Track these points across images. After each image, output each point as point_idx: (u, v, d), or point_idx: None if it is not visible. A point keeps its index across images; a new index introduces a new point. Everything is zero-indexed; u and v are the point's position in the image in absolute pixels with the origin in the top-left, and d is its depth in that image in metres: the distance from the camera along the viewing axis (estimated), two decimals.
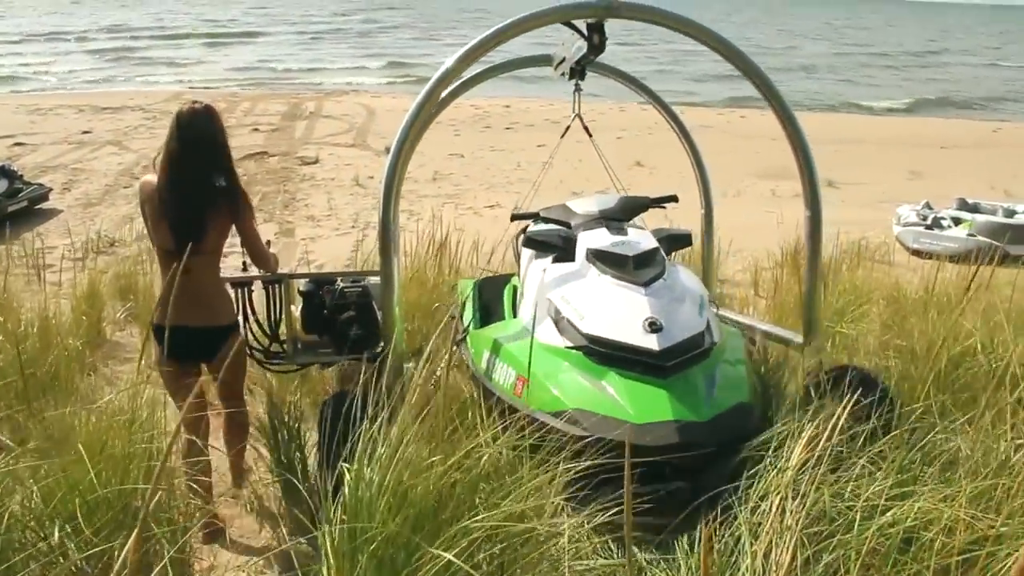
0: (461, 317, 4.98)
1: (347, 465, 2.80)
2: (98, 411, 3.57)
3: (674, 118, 5.56)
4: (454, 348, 3.85)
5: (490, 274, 5.98)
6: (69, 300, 6.33)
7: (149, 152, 16.29)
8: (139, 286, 6.95)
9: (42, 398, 4.05)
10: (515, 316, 4.48)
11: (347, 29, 59.35)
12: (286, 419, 4.00)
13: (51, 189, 12.47)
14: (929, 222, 10.59)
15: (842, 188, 14.59)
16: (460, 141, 18.23)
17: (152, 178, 3.68)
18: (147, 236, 3.84)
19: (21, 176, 12.00)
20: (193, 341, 3.66)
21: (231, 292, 4.05)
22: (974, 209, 10.92)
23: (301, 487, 3.56)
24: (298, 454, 3.92)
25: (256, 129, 18.95)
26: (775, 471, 2.74)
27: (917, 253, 9.74)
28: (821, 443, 2.66)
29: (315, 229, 11.11)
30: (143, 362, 3.49)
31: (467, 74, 4.61)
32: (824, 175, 15.51)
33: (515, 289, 4.98)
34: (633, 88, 5.45)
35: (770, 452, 2.90)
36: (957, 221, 10.55)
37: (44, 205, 12.02)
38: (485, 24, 5.44)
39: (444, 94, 4.31)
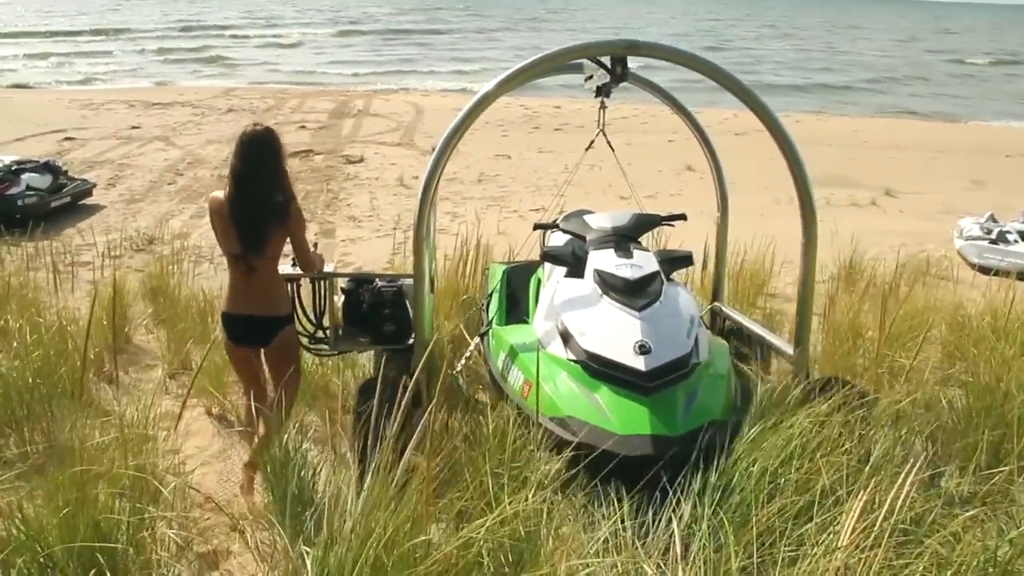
0: (488, 306, 5.53)
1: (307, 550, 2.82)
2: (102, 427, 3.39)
3: (697, 127, 5.75)
4: (478, 339, 5.04)
5: (519, 261, 6.23)
6: (98, 300, 6.17)
7: (194, 148, 16.36)
8: (169, 287, 6.80)
9: (47, 410, 3.87)
10: (533, 318, 4.91)
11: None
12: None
13: (95, 184, 12.47)
14: (994, 236, 10.06)
15: (900, 197, 14.06)
16: (508, 142, 17.99)
17: (220, 194, 4.12)
18: (215, 241, 4.24)
19: (66, 171, 12.02)
20: (251, 327, 4.19)
21: (288, 290, 4.47)
22: None
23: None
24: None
25: (303, 126, 18.93)
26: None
27: (981, 269, 9.22)
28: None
29: (356, 230, 10.95)
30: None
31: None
32: (882, 183, 15.08)
33: (539, 281, 5.40)
34: (658, 96, 5.63)
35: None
36: None
37: (88, 200, 12.02)
38: None
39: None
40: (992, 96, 34.11)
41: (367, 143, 17.51)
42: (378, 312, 4.67)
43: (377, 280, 4.81)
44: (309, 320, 4.77)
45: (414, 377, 3.38)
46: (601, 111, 5.23)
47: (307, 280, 4.68)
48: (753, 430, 3.41)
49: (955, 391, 3.92)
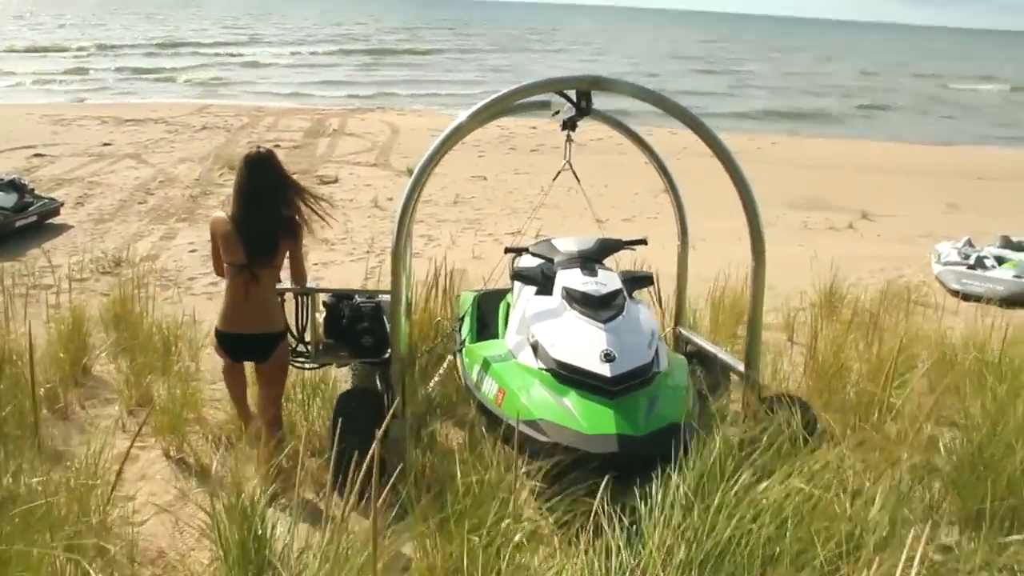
0: (460, 328, 5.78)
1: None
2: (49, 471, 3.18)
3: (656, 159, 5.93)
4: (452, 356, 5.38)
5: (489, 288, 6.47)
6: (57, 328, 5.93)
7: (166, 167, 16.10)
8: (134, 314, 6.54)
9: None
10: (505, 334, 5.20)
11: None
12: None
13: (63, 203, 12.17)
14: (972, 261, 10.02)
15: (878, 220, 14.06)
16: (484, 163, 17.84)
17: (222, 214, 4.56)
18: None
19: (32, 190, 11.71)
20: (250, 345, 4.53)
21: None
22: (1019, 247, 10.35)
23: None
24: None
25: (277, 145, 18.62)
26: None
27: (960, 295, 9.18)
28: None
29: (328, 253, 10.73)
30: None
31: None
32: (859, 206, 15.10)
33: (508, 305, 5.66)
34: (619, 131, 5.84)
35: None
36: (1001, 260, 9.98)
37: (55, 220, 11.71)
38: None
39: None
40: (968, 119, 34.52)
41: (342, 163, 17.30)
42: (357, 326, 4.95)
43: (357, 296, 5.12)
44: (291, 333, 4.94)
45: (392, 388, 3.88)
46: (567, 144, 5.43)
47: (290, 295, 4.94)
48: (741, 478, 3.22)
49: (948, 432, 3.78)
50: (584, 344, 4.34)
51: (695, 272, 6.25)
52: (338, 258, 10.60)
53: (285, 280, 4.81)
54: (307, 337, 5.02)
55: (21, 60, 40.92)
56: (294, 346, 4.97)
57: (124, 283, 7.01)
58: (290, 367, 4.87)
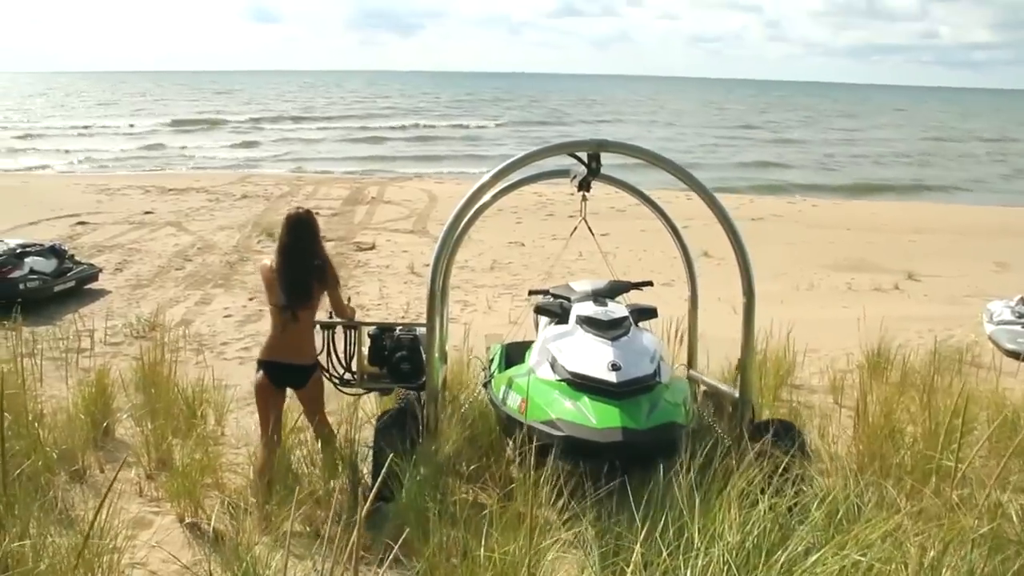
0: (489, 368, 6.36)
1: None
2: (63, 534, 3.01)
3: (666, 219, 6.50)
4: (482, 387, 5.99)
5: (516, 340, 7.01)
6: (83, 391, 5.84)
7: (205, 234, 16.25)
8: (162, 377, 6.43)
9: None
10: (529, 357, 5.83)
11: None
12: None
13: (101, 269, 12.28)
14: None
15: (924, 281, 13.67)
16: (521, 229, 17.79)
17: (267, 261, 5.34)
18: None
19: (72, 256, 11.84)
20: (288, 372, 5.21)
21: (320, 333, 5.52)
22: None
23: None
24: None
25: (316, 213, 18.73)
26: None
27: (1014, 355, 8.80)
28: None
29: (363, 318, 10.64)
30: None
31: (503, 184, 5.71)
32: (904, 266, 14.77)
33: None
34: (626, 191, 6.49)
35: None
36: None
37: (93, 285, 11.80)
38: None
39: (486, 198, 5.67)
40: (1012, 177, 34.03)
41: (379, 230, 17.35)
42: (397, 355, 5.59)
43: (398, 329, 5.78)
44: (341, 363, 5.70)
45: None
46: (583, 203, 6.04)
47: (340, 329, 5.67)
48: (789, 549, 2.97)
49: (1018, 499, 3.47)
50: (594, 357, 5.04)
51: (733, 335, 6.02)
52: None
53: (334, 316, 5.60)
54: (354, 365, 5.72)
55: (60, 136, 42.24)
56: (341, 374, 5.72)
57: (155, 347, 6.94)
58: (338, 392, 5.72)
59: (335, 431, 5.41)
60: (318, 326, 5.49)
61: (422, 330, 5.64)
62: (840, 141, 50.34)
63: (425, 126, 53.31)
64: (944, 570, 2.74)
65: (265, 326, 10.29)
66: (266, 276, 5.28)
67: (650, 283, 6.86)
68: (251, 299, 11.56)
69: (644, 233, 15.63)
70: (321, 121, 56.22)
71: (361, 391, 5.83)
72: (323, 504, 4.44)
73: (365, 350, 5.73)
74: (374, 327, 5.81)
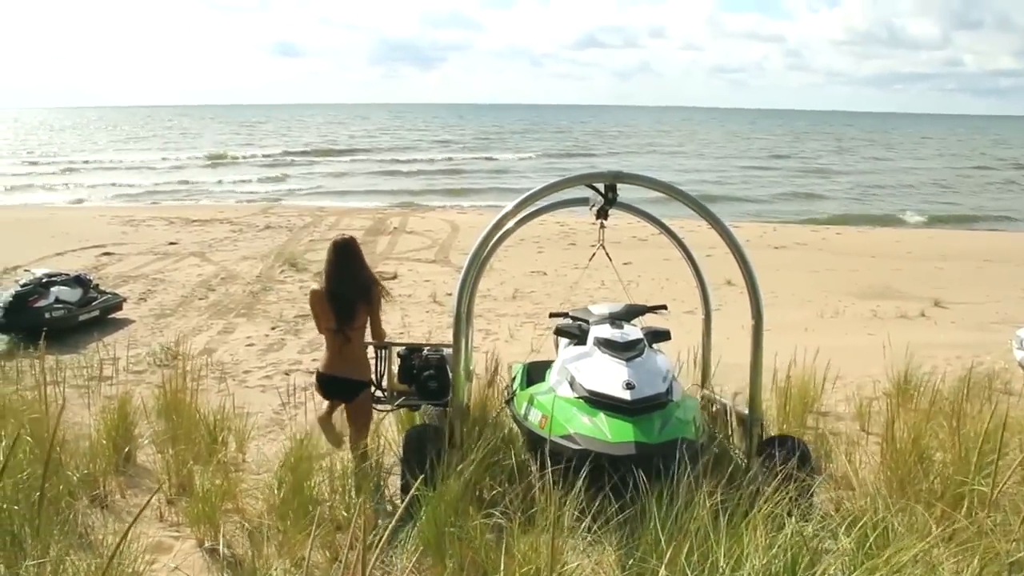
0: (511, 386, 6.67)
1: None
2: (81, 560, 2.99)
3: (681, 244, 6.81)
4: (505, 404, 6.29)
5: (538, 360, 7.33)
6: (105, 418, 5.85)
7: (229, 264, 16.35)
8: (184, 404, 6.42)
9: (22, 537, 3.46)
10: (549, 376, 6.10)
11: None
12: None
13: (126, 299, 12.37)
14: None
15: (951, 308, 13.50)
16: (543, 258, 17.80)
17: (317, 287, 5.69)
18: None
19: (96, 285, 11.94)
20: (341, 386, 5.61)
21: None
22: None
23: None
24: None
25: None
26: None
27: None
28: None
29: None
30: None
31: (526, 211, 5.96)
32: (930, 294, 14.58)
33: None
34: (642, 217, 6.75)
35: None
36: None
37: (117, 315, 11.89)
38: None
39: (509, 224, 5.77)
40: None
41: (401, 260, 17.39)
42: (424, 373, 5.91)
43: (426, 349, 6.14)
44: (373, 383, 5.89)
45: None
46: (601, 230, 6.31)
47: (372, 349, 5.89)
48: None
49: None
50: (610, 376, 5.35)
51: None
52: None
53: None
54: (384, 383, 5.99)
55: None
56: (374, 391, 5.89)
57: (177, 375, 6.95)
58: (373, 411, 5.90)
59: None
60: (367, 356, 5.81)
61: (448, 350, 5.96)
62: (874, 171, 49.93)
63: (454, 159, 53.42)
64: None
65: (287, 354, 10.44)
66: (315, 302, 5.63)
67: (664, 307, 7.21)
68: (273, 328, 11.60)
69: (667, 262, 15.55)
70: (351, 154, 56.58)
71: (391, 407, 6.09)
72: (344, 529, 4.38)
73: (395, 369, 6.06)
74: (403, 347, 6.18)
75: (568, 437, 4.99)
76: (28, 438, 4.51)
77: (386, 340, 5.95)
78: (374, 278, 5.72)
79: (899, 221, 28.44)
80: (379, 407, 6.02)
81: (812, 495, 4.64)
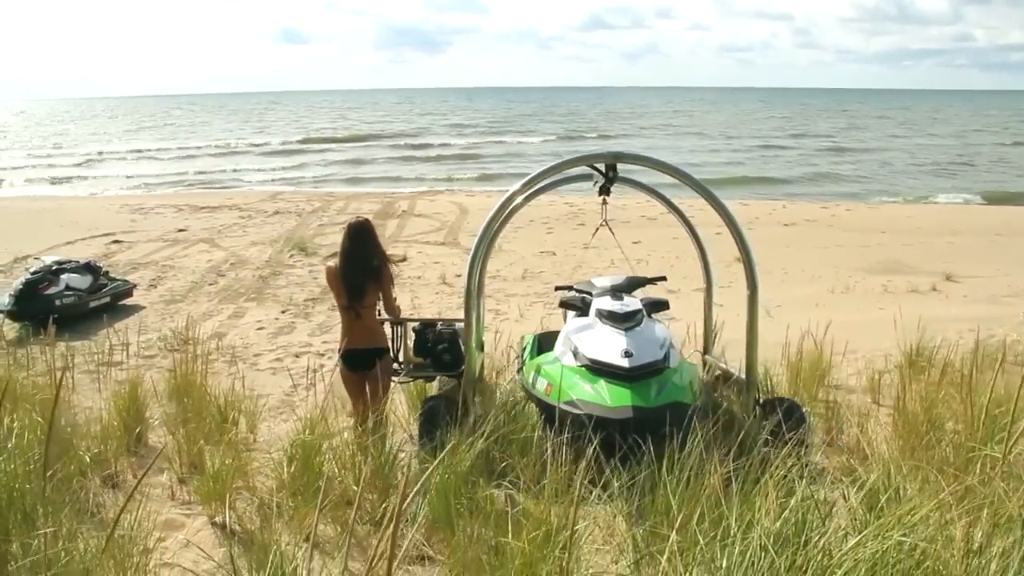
0: (522, 356, 7.07)
1: None
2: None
3: (682, 216, 7.19)
4: (516, 374, 6.77)
5: (547, 331, 7.70)
6: (116, 401, 5.87)
7: (238, 250, 16.37)
8: (195, 385, 6.44)
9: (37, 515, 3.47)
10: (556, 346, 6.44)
11: None
12: None
13: (135, 285, 12.40)
14: None
15: (963, 282, 13.42)
16: (552, 239, 17.74)
17: (332, 264, 5.98)
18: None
19: (107, 272, 11.97)
20: (360, 357, 5.85)
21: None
22: None
23: None
24: None
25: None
26: None
27: None
28: None
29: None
30: None
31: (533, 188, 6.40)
32: (942, 268, 14.48)
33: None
34: (645, 192, 7.20)
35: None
36: None
37: (128, 301, 11.93)
38: None
39: (518, 200, 6.30)
40: None
41: (410, 243, 17.37)
42: (439, 347, 6.29)
43: (439, 324, 6.53)
44: (391, 356, 6.19)
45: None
46: (604, 206, 6.66)
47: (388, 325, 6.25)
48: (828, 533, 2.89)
49: None
50: (609, 345, 5.70)
51: (772, 338, 6.79)
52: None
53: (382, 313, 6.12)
54: (401, 357, 6.38)
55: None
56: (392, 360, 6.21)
57: (188, 359, 6.97)
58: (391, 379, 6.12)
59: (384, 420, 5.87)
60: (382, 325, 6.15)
61: (460, 325, 6.29)
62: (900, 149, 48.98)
63: (471, 143, 52.40)
64: (992, 552, 2.64)
65: (298, 337, 10.46)
66: (330, 278, 5.96)
67: (664, 278, 7.62)
68: (284, 312, 11.61)
69: (675, 241, 15.49)
70: (368, 139, 55.93)
71: (408, 379, 6.45)
72: (354, 505, 4.39)
73: (411, 343, 6.44)
74: (418, 323, 6.59)
75: (571, 403, 5.30)
76: (39, 419, 4.52)
77: (401, 316, 6.29)
78: (385, 258, 5.94)
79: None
80: (396, 379, 6.29)
81: (808, 449, 5.06)
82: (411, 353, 6.44)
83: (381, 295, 5.94)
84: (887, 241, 17.36)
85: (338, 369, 6.00)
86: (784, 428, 4.86)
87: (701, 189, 5.99)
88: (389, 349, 6.13)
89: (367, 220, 6.07)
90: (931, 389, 5.54)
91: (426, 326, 6.54)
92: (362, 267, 5.81)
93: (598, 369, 5.59)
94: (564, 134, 60.86)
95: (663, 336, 6.07)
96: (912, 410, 5.15)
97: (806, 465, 3.61)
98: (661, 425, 4.76)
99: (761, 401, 5.92)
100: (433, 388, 6.90)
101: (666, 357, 5.82)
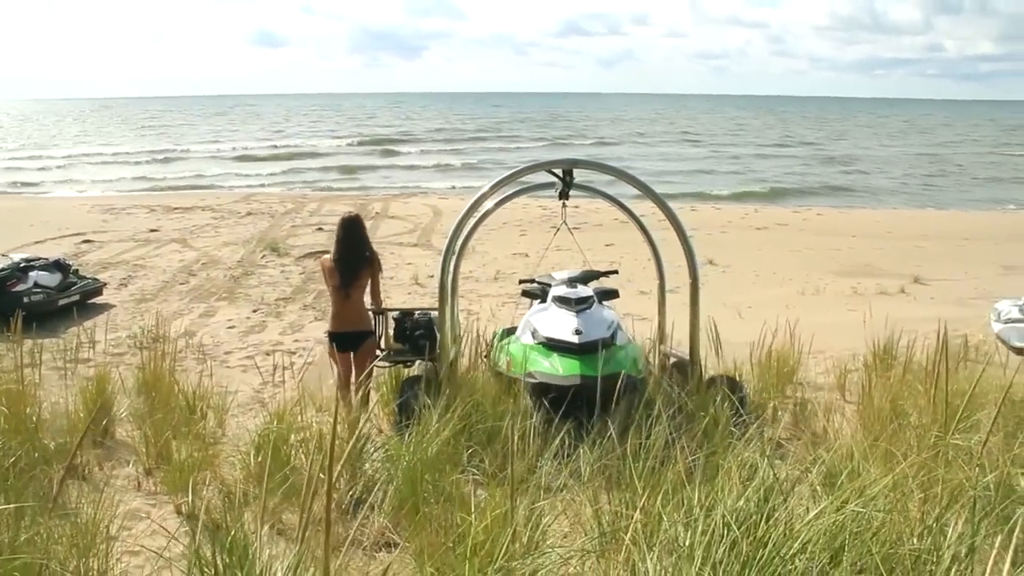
0: (492, 345, 7.58)
1: None
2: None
3: (635, 219, 7.83)
4: (484, 357, 7.33)
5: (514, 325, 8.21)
6: (83, 396, 5.81)
7: (210, 250, 16.26)
8: (163, 380, 6.37)
9: None
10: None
11: None
12: None
13: (105, 284, 12.29)
14: None
15: (931, 284, 13.60)
16: (525, 240, 17.75)
17: (327, 256, 6.81)
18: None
19: (76, 271, 11.87)
20: (348, 339, 6.56)
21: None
22: None
23: None
24: None
25: (320, 229, 18.78)
26: None
27: (1023, 352, 8.71)
28: None
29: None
30: None
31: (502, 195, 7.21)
32: (910, 271, 14.62)
33: None
34: (600, 197, 7.91)
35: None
36: None
37: (98, 300, 11.81)
38: None
39: (489, 205, 7.06)
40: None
41: (383, 244, 17.27)
42: (416, 333, 6.81)
43: (417, 313, 7.11)
44: (374, 332, 6.80)
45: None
46: (563, 209, 7.34)
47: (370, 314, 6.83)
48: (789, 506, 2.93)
49: None
50: (562, 325, 6.44)
51: (739, 339, 7.19)
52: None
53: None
54: (382, 344, 6.88)
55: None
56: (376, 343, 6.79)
57: (156, 356, 6.90)
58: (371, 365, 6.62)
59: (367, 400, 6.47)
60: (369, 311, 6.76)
61: (436, 313, 6.86)
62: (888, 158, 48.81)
63: (462, 151, 51.03)
64: (949, 519, 2.67)
65: (268, 336, 10.41)
66: (326, 265, 6.72)
67: (615, 271, 8.51)
68: (255, 311, 11.56)
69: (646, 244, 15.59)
70: (358, 145, 54.74)
71: (388, 363, 6.92)
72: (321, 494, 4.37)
73: (391, 331, 6.92)
74: (398, 311, 7.10)
75: (529, 374, 6.08)
76: (4, 408, 4.47)
77: (383, 307, 6.94)
78: (373, 249, 6.80)
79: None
80: (378, 364, 6.75)
81: (748, 417, 5.52)
82: (391, 340, 6.92)
83: (370, 281, 6.69)
84: (857, 245, 17.54)
85: (325, 348, 6.77)
86: (726, 399, 5.53)
87: (648, 192, 6.77)
88: (374, 332, 6.75)
89: (357, 215, 6.94)
90: (896, 383, 5.60)
91: (405, 314, 7.05)
92: (356, 253, 6.59)
93: (552, 345, 6.33)
94: (559, 140, 59.63)
95: (611, 318, 6.85)
96: (878, 403, 5.20)
97: (768, 444, 3.65)
98: (605, 391, 5.47)
99: (705, 379, 6.46)
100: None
101: (613, 336, 6.56)
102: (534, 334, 6.65)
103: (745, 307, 11.47)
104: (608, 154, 46.11)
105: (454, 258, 6.94)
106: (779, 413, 5.99)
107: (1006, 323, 9.68)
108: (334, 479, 4.03)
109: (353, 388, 6.45)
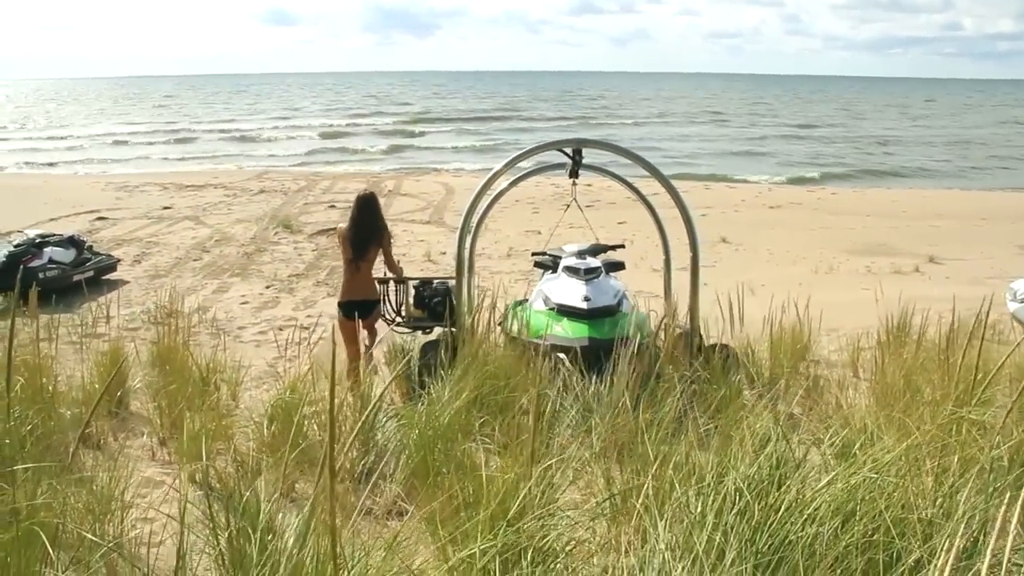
0: (505, 315, 7.73)
1: None
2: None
3: (643, 199, 8.02)
4: (498, 325, 7.30)
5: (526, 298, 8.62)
6: (98, 368, 5.84)
7: (223, 227, 16.31)
8: (177, 354, 6.40)
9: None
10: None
11: None
12: None
13: (120, 260, 12.36)
14: None
15: (946, 264, 13.52)
16: (538, 218, 17.74)
17: (343, 226, 7.20)
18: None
19: (91, 247, 11.93)
20: (356, 307, 6.93)
21: (378, 286, 7.23)
22: None
23: None
24: None
25: (332, 206, 18.82)
26: None
27: None
28: None
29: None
30: None
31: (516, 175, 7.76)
32: (925, 251, 14.52)
33: None
34: (608, 176, 8.14)
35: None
36: None
37: (112, 276, 11.88)
38: None
39: (503, 185, 7.75)
40: None
41: (396, 221, 17.28)
42: (434, 301, 7.28)
43: (435, 281, 7.56)
44: (394, 309, 7.35)
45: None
46: (573, 187, 7.61)
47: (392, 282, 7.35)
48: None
49: None
50: (572, 292, 6.90)
51: (752, 315, 7.09)
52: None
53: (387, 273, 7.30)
54: (403, 311, 7.33)
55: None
56: (392, 318, 7.32)
57: (170, 331, 6.94)
58: (391, 331, 7.31)
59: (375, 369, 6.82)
60: (376, 282, 7.16)
61: (453, 282, 7.20)
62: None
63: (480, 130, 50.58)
64: (963, 488, 2.66)
65: (282, 311, 10.45)
66: (341, 237, 7.10)
67: (623, 245, 8.85)
68: (268, 287, 11.60)
69: (663, 221, 15.54)
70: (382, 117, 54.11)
71: (409, 329, 7.38)
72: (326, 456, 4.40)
73: (411, 299, 7.36)
74: (417, 280, 7.53)
75: (540, 337, 6.25)
76: (20, 378, 4.51)
77: (403, 275, 7.37)
78: (385, 225, 7.17)
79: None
80: (398, 329, 7.35)
81: (739, 380, 5.91)
82: (411, 307, 7.35)
83: (382, 253, 7.08)
84: (872, 224, 17.44)
85: (337, 318, 7.09)
86: (721, 363, 5.95)
87: (652, 170, 7.02)
88: (379, 302, 7.18)
89: (372, 193, 7.34)
90: (910, 360, 5.58)
91: (424, 283, 7.52)
92: (368, 228, 6.98)
93: (563, 310, 6.77)
94: (588, 121, 58.69)
95: (617, 288, 7.32)
96: (891, 379, 5.18)
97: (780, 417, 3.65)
98: (610, 352, 5.64)
99: (703, 346, 6.79)
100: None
101: (619, 304, 7.04)
102: (546, 301, 7.07)
103: (758, 284, 11.42)
104: (640, 135, 45.86)
105: (469, 236, 7.19)
106: (791, 388, 5.95)
107: (1022, 302, 9.61)
108: (345, 448, 4.07)
109: (363, 351, 6.89)
